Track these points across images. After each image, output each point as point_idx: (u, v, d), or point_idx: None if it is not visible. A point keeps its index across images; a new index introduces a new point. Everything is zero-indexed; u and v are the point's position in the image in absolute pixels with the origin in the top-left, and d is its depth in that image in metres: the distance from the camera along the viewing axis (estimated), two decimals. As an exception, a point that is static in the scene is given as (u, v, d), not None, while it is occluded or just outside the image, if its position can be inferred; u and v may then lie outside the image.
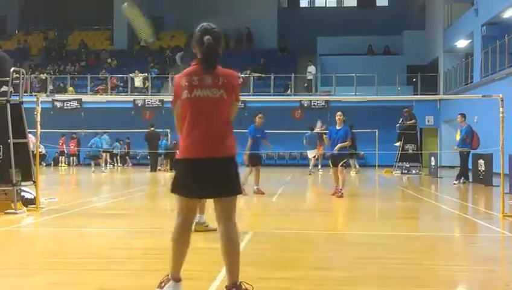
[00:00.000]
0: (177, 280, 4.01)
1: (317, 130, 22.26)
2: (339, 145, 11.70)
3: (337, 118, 11.98)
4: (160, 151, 24.04)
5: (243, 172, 12.16)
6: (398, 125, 22.00)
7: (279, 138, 22.98)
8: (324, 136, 12.38)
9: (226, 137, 3.95)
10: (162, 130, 24.02)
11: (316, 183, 18.04)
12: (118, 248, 6.17)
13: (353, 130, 22.09)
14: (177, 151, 4.12)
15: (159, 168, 24.25)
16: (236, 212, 4.01)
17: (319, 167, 23.02)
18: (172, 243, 4.00)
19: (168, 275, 4.05)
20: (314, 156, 21.85)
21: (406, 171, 21.55)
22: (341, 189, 11.82)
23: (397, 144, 21.85)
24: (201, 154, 3.87)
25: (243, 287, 3.97)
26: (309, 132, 21.83)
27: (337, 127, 11.97)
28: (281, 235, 7.22)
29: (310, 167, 21.77)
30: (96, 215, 9.28)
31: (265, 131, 13.15)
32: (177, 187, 3.98)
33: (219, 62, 3.98)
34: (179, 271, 4.02)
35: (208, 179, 3.88)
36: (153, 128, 23.90)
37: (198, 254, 5.59)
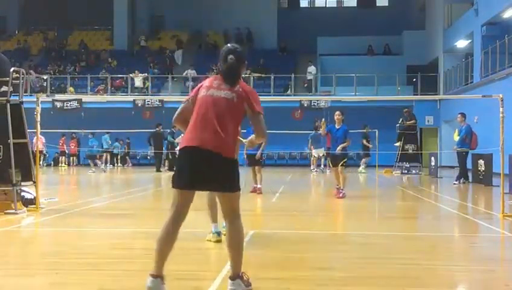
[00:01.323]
0: (155, 276, 3.91)
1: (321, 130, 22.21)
2: (341, 146, 11.67)
3: (335, 117, 11.95)
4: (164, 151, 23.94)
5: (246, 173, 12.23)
6: (398, 125, 22.00)
7: (279, 138, 22.94)
8: (323, 128, 12.26)
9: (227, 137, 4.04)
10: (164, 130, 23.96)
11: (316, 183, 18.04)
12: (118, 248, 6.16)
13: (358, 131, 22.30)
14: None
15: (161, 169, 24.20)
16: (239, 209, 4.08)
17: (322, 166, 23.02)
18: (160, 233, 3.96)
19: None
20: (321, 154, 21.81)
21: (406, 171, 21.56)
22: (342, 189, 11.80)
23: (397, 144, 21.85)
24: (201, 145, 3.99)
25: (245, 278, 4.08)
26: (313, 131, 21.80)
27: (336, 127, 11.94)
28: (281, 235, 7.21)
29: (311, 167, 21.74)
30: (96, 215, 9.27)
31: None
32: (176, 180, 4.03)
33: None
34: (161, 266, 3.93)
35: (204, 170, 3.97)
36: (158, 128, 23.79)
37: (197, 254, 5.55)
